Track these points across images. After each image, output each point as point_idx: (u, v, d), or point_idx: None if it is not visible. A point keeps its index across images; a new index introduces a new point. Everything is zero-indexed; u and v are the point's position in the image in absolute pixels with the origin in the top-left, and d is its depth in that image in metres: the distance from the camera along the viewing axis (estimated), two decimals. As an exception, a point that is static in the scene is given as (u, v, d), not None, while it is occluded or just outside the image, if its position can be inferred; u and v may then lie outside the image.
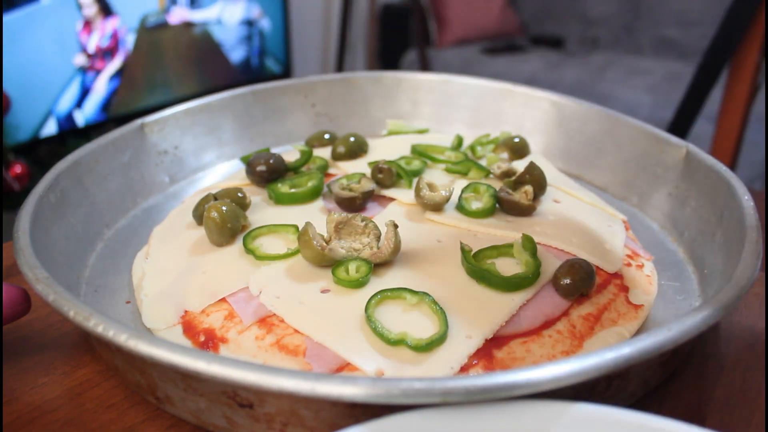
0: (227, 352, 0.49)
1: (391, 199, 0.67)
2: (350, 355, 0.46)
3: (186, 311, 0.53)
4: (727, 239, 0.58)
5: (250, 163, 0.68)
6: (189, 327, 0.52)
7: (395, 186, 0.68)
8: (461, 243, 0.55)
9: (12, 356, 0.53)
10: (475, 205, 0.64)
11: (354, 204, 0.64)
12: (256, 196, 0.67)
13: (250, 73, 2.51)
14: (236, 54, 2.46)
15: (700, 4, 2.96)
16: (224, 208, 0.59)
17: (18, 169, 1.00)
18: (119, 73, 2.04)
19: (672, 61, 2.96)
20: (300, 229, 0.55)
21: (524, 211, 0.63)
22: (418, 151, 0.74)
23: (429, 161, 0.73)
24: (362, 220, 0.56)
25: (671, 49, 3.07)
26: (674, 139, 0.71)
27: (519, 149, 0.76)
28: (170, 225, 0.66)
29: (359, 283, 0.52)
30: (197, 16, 2.27)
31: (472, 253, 0.54)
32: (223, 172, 0.83)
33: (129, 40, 2.05)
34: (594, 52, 3.21)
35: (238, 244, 0.59)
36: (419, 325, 0.48)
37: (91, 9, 1.88)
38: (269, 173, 0.68)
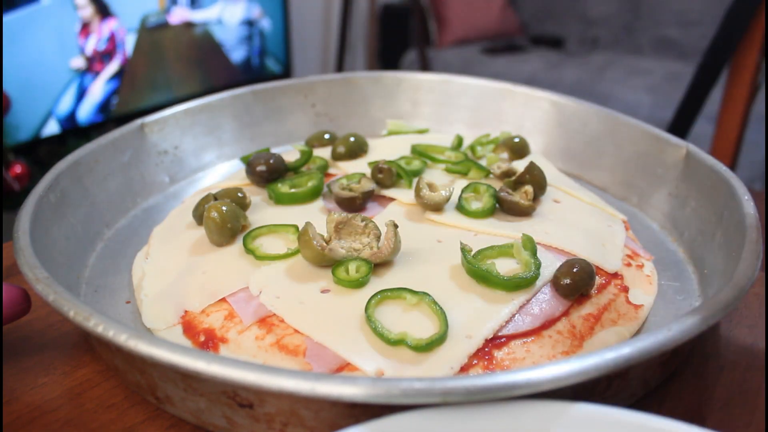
0: (227, 352, 0.49)
1: (391, 199, 0.67)
2: (350, 355, 0.46)
3: (186, 311, 0.53)
4: (727, 239, 0.58)
5: (250, 163, 0.68)
6: (189, 327, 0.52)
7: (395, 186, 0.68)
8: (461, 243, 0.55)
9: (12, 356, 0.53)
10: (475, 205, 0.63)
11: (354, 204, 0.64)
12: (256, 196, 0.67)
13: (250, 73, 2.51)
14: (237, 54, 2.46)
15: (700, 4, 2.96)
16: (224, 208, 0.59)
17: (18, 169, 1.00)
18: (119, 74, 2.04)
19: (672, 61, 2.96)
20: (300, 229, 0.55)
21: (524, 211, 0.63)
22: (418, 151, 0.74)
23: (429, 161, 0.73)
24: (362, 220, 0.56)
25: (671, 49, 3.07)
26: (674, 139, 0.71)
27: (519, 149, 0.76)
28: (170, 225, 0.66)
29: (359, 283, 0.52)
30: (198, 16, 2.27)
31: (472, 253, 0.54)
32: (223, 172, 0.83)
33: (129, 41, 2.05)
34: (594, 52, 3.21)
35: (238, 244, 0.59)
36: (419, 325, 0.48)
37: (86, 10, 1.87)
38: (269, 173, 0.68)
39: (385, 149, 0.77)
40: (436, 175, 0.71)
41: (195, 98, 0.84)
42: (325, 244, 0.54)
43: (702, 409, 0.48)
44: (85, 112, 1.97)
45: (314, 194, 0.67)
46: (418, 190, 0.63)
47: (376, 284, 0.52)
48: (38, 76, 1.83)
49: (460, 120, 0.93)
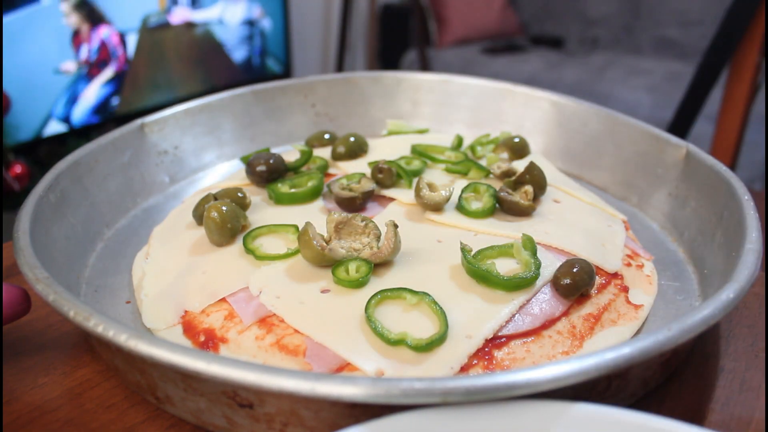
0: (227, 352, 0.49)
1: (391, 199, 0.67)
2: (350, 355, 0.46)
3: (186, 311, 0.53)
4: (727, 239, 0.58)
5: (250, 163, 0.68)
6: (189, 327, 0.52)
7: (395, 186, 0.68)
8: (461, 243, 0.54)
9: (12, 356, 0.53)
10: (475, 205, 0.63)
11: (354, 204, 0.64)
12: (256, 196, 0.67)
13: (251, 73, 2.51)
14: (238, 54, 2.46)
15: (700, 4, 2.96)
16: (224, 208, 0.59)
17: (18, 169, 1.00)
18: (116, 78, 2.03)
19: (672, 61, 2.96)
20: (300, 229, 0.55)
21: (524, 211, 0.63)
22: (418, 151, 0.74)
23: (429, 161, 0.73)
24: (362, 220, 0.56)
25: (671, 49, 3.07)
26: (674, 139, 0.71)
27: (519, 149, 0.76)
28: (170, 225, 0.66)
29: (359, 283, 0.52)
30: (198, 16, 2.27)
31: (472, 253, 0.54)
32: (223, 172, 0.83)
33: (130, 41, 2.05)
34: (594, 52, 3.21)
35: (238, 244, 0.59)
36: (419, 325, 0.48)
37: (72, 18, 1.85)
38: (269, 173, 0.68)
39: (385, 149, 0.77)
40: (436, 175, 0.71)
41: (197, 98, 0.84)
42: (325, 244, 0.54)
43: (702, 409, 0.48)
44: (86, 112, 1.97)
45: (314, 194, 0.67)
46: (418, 190, 0.63)
47: (376, 284, 0.52)
48: (38, 77, 1.83)
49: (460, 120, 0.93)
